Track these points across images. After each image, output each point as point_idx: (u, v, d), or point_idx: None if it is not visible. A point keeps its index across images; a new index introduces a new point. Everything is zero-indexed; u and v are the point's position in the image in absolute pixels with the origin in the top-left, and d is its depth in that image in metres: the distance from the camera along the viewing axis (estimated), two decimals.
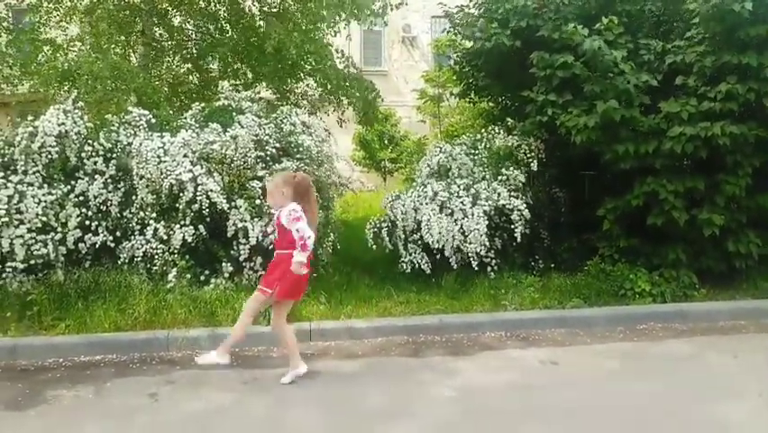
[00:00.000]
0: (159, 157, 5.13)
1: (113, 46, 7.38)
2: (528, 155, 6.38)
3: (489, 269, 5.88)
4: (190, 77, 9.14)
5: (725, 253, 5.83)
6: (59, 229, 5.10)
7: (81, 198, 5.28)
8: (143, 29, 8.34)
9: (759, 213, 5.85)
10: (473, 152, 6.63)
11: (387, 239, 6.14)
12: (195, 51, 9.09)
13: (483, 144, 6.74)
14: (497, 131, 6.80)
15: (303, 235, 3.84)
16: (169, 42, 8.94)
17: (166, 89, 7.20)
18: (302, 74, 9.04)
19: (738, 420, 3.47)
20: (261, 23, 8.81)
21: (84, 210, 5.21)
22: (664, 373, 4.26)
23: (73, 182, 5.31)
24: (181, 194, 5.15)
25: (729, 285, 5.98)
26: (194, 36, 9.26)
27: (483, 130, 7.03)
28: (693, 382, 4.06)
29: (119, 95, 5.87)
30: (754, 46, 5.36)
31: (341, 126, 9.89)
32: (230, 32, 8.84)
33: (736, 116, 5.41)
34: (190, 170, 5.13)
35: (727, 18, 5.29)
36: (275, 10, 8.79)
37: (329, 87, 8.95)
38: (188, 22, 9.11)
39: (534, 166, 6.31)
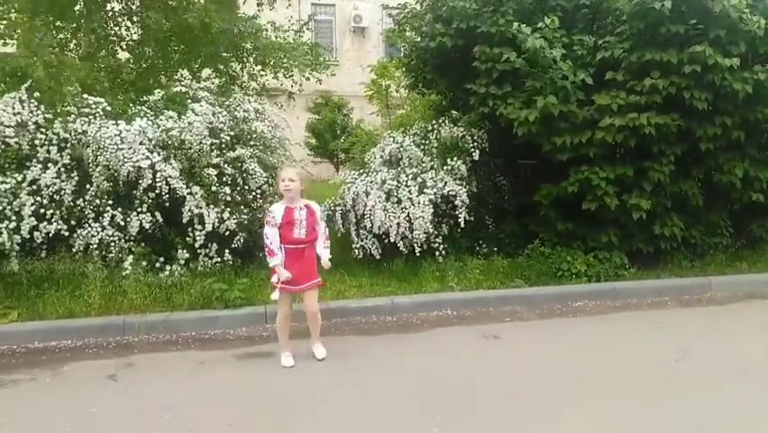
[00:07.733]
0: (116, 144, 5.15)
1: (51, 36, 7.25)
2: (471, 145, 6.68)
3: (437, 253, 6.18)
4: (130, 66, 9.00)
5: (652, 235, 6.31)
6: (14, 218, 5.06)
7: (34, 186, 5.22)
8: (82, 14, 8.18)
9: (682, 198, 6.36)
10: (423, 142, 6.88)
11: (340, 222, 6.28)
12: (132, 39, 8.99)
13: (434, 135, 7.00)
14: (445, 122, 7.06)
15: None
16: (111, 30, 8.82)
17: (106, 83, 7.12)
18: (245, 54, 9.13)
19: (653, 380, 3.86)
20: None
21: (38, 199, 5.16)
22: (595, 343, 4.66)
23: (26, 171, 5.24)
24: (140, 181, 5.20)
25: (656, 265, 6.48)
26: (131, 23, 9.12)
27: (433, 121, 7.27)
28: (619, 350, 4.47)
29: (58, 88, 5.81)
30: (675, 43, 5.78)
31: (291, 98, 10.12)
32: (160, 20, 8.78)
33: (660, 107, 5.83)
34: (148, 157, 5.17)
35: (650, 15, 5.70)
36: None
37: (271, 63, 9.13)
38: (128, 9, 8.98)
39: (476, 156, 6.55)
